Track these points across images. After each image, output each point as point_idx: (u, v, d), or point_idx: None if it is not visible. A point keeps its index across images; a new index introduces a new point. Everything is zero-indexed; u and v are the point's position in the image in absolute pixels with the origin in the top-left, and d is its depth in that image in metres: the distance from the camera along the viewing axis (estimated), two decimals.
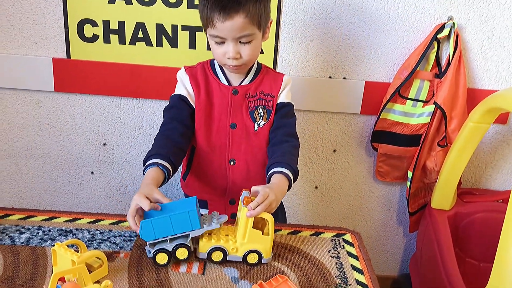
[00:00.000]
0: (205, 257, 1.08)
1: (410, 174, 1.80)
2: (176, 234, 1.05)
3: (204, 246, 1.07)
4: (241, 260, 1.09)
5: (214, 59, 1.32)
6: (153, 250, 1.05)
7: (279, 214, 1.53)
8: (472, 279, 1.77)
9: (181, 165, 1.43)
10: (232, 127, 1.31)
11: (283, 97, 1.33)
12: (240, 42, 1.19)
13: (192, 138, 1.33)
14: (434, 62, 1.71)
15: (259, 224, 1.11)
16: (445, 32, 1.66)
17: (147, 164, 1.17)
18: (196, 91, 1.29)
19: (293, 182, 1.20)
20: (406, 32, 1.71)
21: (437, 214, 1.71)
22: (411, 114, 1.77)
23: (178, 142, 1.24)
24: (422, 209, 1.88)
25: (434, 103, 1.70)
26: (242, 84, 1.30)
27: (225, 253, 1.07)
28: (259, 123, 1.31)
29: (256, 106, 1.31)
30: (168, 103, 1.32)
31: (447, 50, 1.71)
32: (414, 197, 1.86)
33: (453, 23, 1.66)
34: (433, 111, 1.73)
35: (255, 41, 1.21)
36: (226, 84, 1.30)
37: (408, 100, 1.76)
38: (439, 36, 1.67)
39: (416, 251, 1.90)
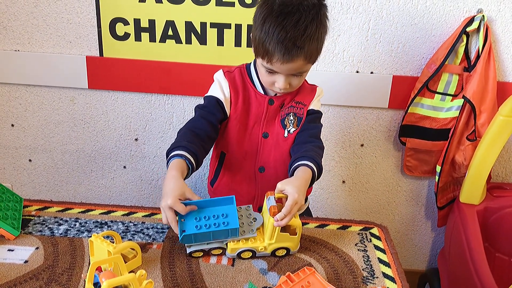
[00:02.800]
0: (235, 256, 1.11)
1: (438, 168, 1.80)
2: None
3: (233, 250, 1.09)
4: (269, 255, 1.12)
5: (250, 64, 1.32)
6: (190, 250, 1.09)
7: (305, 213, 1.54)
8: (502, 274, 1.75)
9: (203, 169, 1.43)
10: (264, 137, 1.31)
11: (313, 106, 1.33)
12: (292, 74, 1.18)
13: (220, 143, 1.35)
14: (463, 55, 1.70)
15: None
16: (475, 25, 1.64)
17: (173, 154, 1.13)
18: (234, 98, 1.28)
19: (317, 178, 1.19)
20: (434, 25, 1.70)
21: (466, 209, 1.70)
22: (440, 108, 1.76)
23: (205, 141, 1.23)
24: (451, 204, 1.87)
25: (463, 97, 1.69)
26: (278, 94, 1.29)
27: (254, 252, 1.10)
28: (289, 130, 1.30)
29: (287, 114, 1.30)
30: (202, 102, 1.31)
31: (477, 43, 1.69)
32: (443, 192, 1.85)
33: (483, 16, 1.64)
34: (462, 105, 1.71)
35: (305, 73, 1.21)
36: (262, 93, 1.29)
37: (436, 94, 1.75)
38: (468, 29, 1.65)
39: (444, 246, 1.89)
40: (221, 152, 1.35)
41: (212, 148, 1.40)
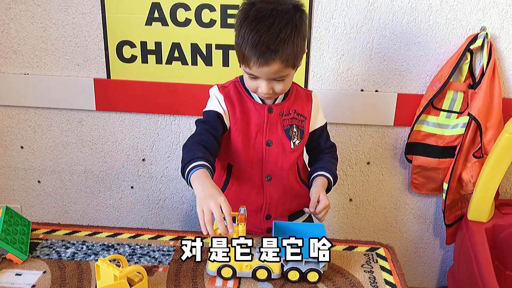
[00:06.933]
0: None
1: (445, 185, 1.79)
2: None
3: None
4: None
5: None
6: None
7: None
8: None
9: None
10: (268, 145, 1.32)
11: (319, 121, 1.38)
12: (273, 79, 1.20)
13: (225, 155, 1.36)
14: (468, 73, 1.70)
15: None
16: (478, 42, 1.65)
17: (195, 164, 1.13)
18: (231, 111, 1.30)
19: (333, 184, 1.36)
20: (438, 43, 1.71)
21: (474, 227, 1.69)
22: (445, 126, 1.76)
23: (212, 154, 1.24)
24: (459, 221, 1.86)
25: (469, 114, 1.69)
26: (276, 103, 1.32)
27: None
28: (295, 142, 1.33)
29: (291, 125, 1.33)
30: (202, 117, 1.33)
31: (481, 60, 1.70)
32: (451, 209, 1.84)
33: (486, 33, 1.65)
34: (468, 122, 1.71)
35: (288, 78, 1.22)
36: (261, 102, 1.31)
37: (441, 112, 1.75)
38: (472, 47, 1.66)
39: (453, 264, 1.87)
40: (227, 163, 1.37)
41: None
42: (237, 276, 1.11)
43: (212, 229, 1.02)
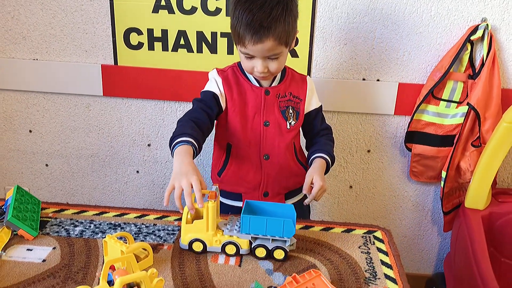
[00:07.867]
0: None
1: (444, 174, 1.83)
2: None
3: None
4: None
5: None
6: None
7: (305, 211, 1.59)
8: (508, 278, 1.77)
9: (204, 161, 1.51)
10: (266, 125, 1.39)
11: (314, 103, 1.46)
12: (268, 58, 1.27)
13: (225, 135, 1.42)
14: (468, 63, 1.73)
15: None
16: (479, 33, 1.68)
17: (181, 139, 1.18)
18: (229, 93, 1.37)
19: (332, 164, 1.41)
20: (439, 34, 1.74)
21: (471, 214, 1.73)
22: (445, 115, 1.80)
23: (204, 132, 1.29)
24: (457, 209, 1.90)
25: (468, 104, 1.72)
26: (272, 85, 1.39)
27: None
28: (291, 122, 1.40)
29: (287, 106, 1.40)
30: (200, 97, 1.38)
31: (481, 51, 1.73)
32: (448, 197, 1.88)
33: (487, 24, 1.68)
34: (467, 112, 1.75)
35: (282, 57, 1.30)
36: (258, 85, 1.38)
37: (441, 101, 1.78)
38: (472, 37, 1.68)
39: (450, 251, 1.92)
40: (227, 143, 1.44)
41: (213, 141, 1.49)
42: (207, 250, 1.16)
43: (180, 204, 1.08)
